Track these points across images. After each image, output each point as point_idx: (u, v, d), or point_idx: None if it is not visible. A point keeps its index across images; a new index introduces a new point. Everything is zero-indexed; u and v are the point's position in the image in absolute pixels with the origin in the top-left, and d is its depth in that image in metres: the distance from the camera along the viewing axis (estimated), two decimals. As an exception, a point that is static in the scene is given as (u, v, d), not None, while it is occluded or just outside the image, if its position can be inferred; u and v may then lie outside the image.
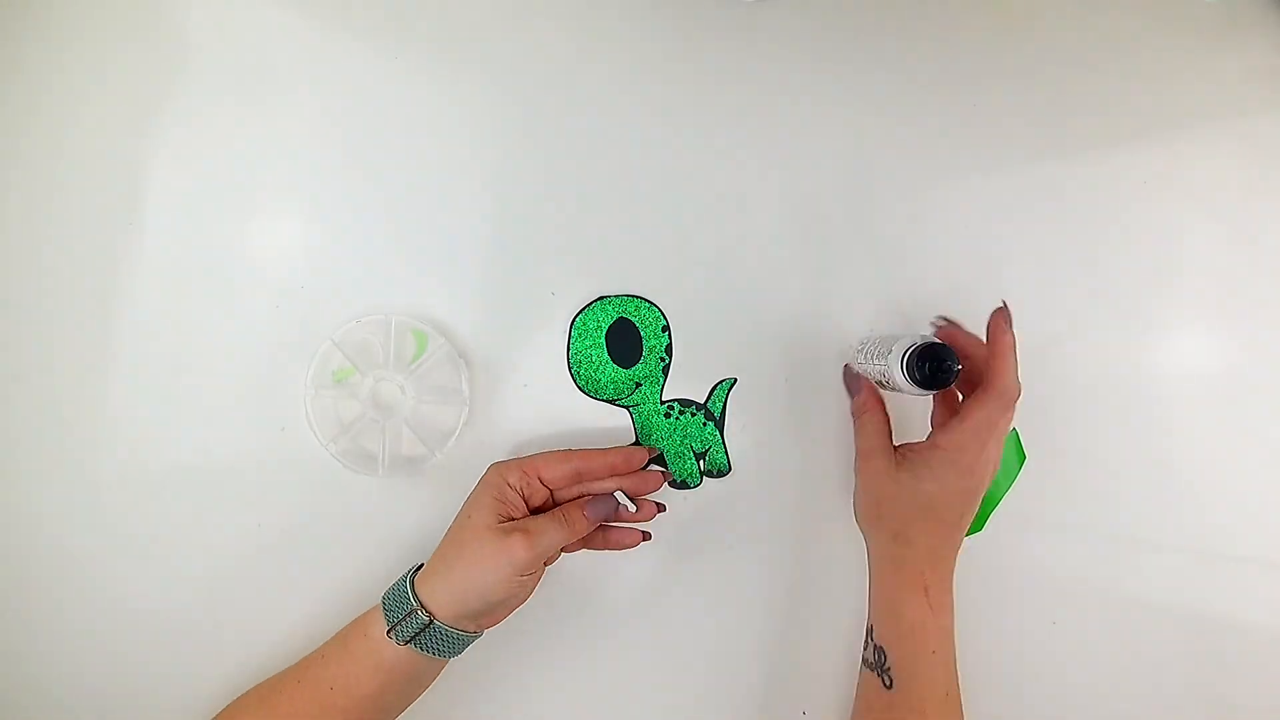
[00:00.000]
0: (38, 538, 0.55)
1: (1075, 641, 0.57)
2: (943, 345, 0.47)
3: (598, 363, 0.57)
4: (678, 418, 0.58)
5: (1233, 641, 0.57)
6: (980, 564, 0.57)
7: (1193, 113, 0.59)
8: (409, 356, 0.55)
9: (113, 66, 0.56)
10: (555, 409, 0.57)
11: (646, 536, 0.54)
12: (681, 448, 0.57)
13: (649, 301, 0.57)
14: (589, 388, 0.57)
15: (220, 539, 0.56)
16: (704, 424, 0.58)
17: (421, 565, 0.50)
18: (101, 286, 0.55)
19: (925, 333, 0.51)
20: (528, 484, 0.50)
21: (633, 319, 0.57)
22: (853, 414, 0.55)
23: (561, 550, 0.53)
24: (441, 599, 0.47)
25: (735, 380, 0.57)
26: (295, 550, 0.56)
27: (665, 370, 0.57)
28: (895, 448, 0.51)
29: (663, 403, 0.57)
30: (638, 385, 0.57)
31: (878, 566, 0.50)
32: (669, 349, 0.57)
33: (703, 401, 0.58)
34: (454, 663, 0.57)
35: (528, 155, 0.57)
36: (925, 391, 0.48)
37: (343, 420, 0.54)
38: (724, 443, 0.58)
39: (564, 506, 0.51)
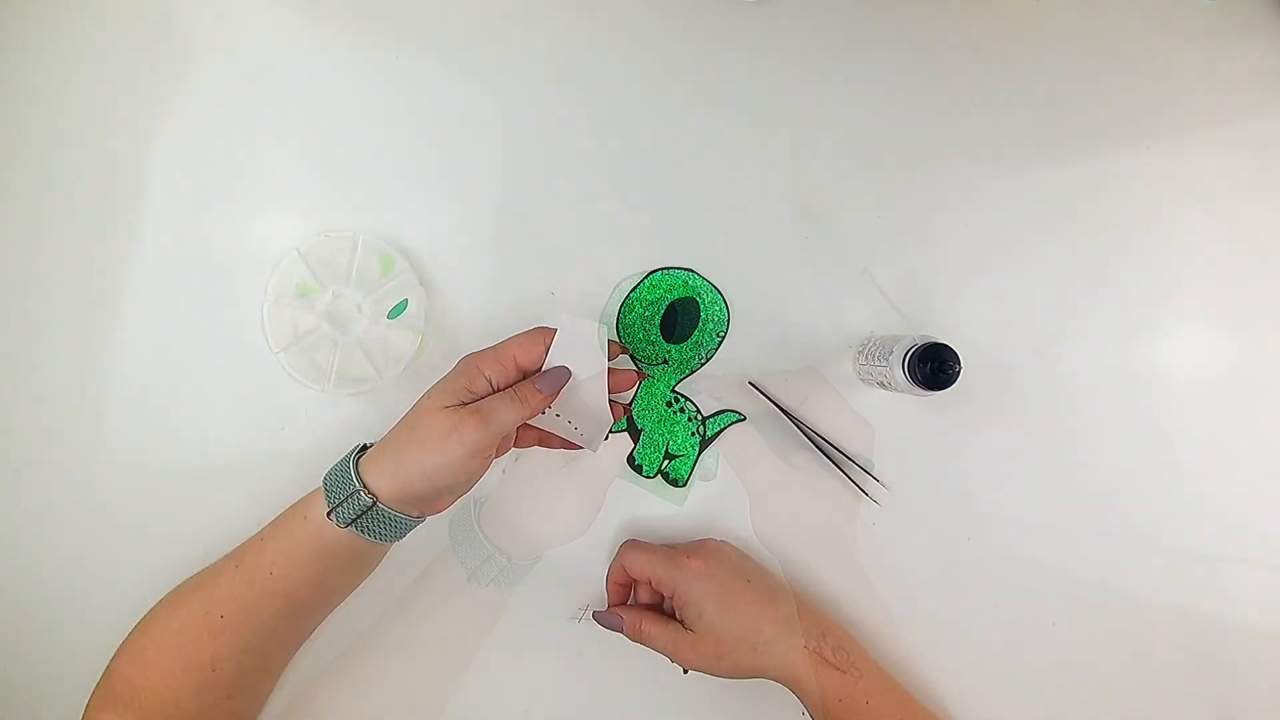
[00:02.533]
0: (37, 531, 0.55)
1: (1075, 641, 0.57)
2: (944, 346, 0.48)
3: (646, 317, 0.57)
4: (676, 413, 0.57)
5: (1232, 642, 0.57)
6: (981, 564, 0.57)
7: (1193, 114, 0.59)
8: (372, 277, 0.55)
9: (112, 66, 0.56)
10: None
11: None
12: (658, 437, 0.57)
13: (727, 304, 0.57)
14: (623, 333, 0.57)
15: (220, 539, 0.56)
16: (692, 434, 0.57)
17: (366, 446, 0.48)
18: (100, 285, 0.55)
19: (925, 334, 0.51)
20: (502, 371, 0.48)
21: (705, 308, 0.57)
22: (635, 639, 0.53)
23: (516, 442, 0.52)
24: (386, 481, 0.45)
25: (744, 418, 0.57)
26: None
27: (693, 370, 0.57)
28: (669, 619, 0.52)
29: (673, 390, 0.57)
30: (664, 362, 0.57)
31: (780, 679, 0.51)
32: (710, 355, 0.57)
33: (705, 415, 0.57)
34: (454, 663, 0.57)
35: (527, 155, 0.57)
36: (927, 392, 0.48)
37: (297, 331, 0.54)
38: (695, 461, 0.57)
39: (517, 384, 0.48)
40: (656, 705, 0.57)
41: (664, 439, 0.57)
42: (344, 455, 0.48)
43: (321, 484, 0.47)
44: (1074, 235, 0.58)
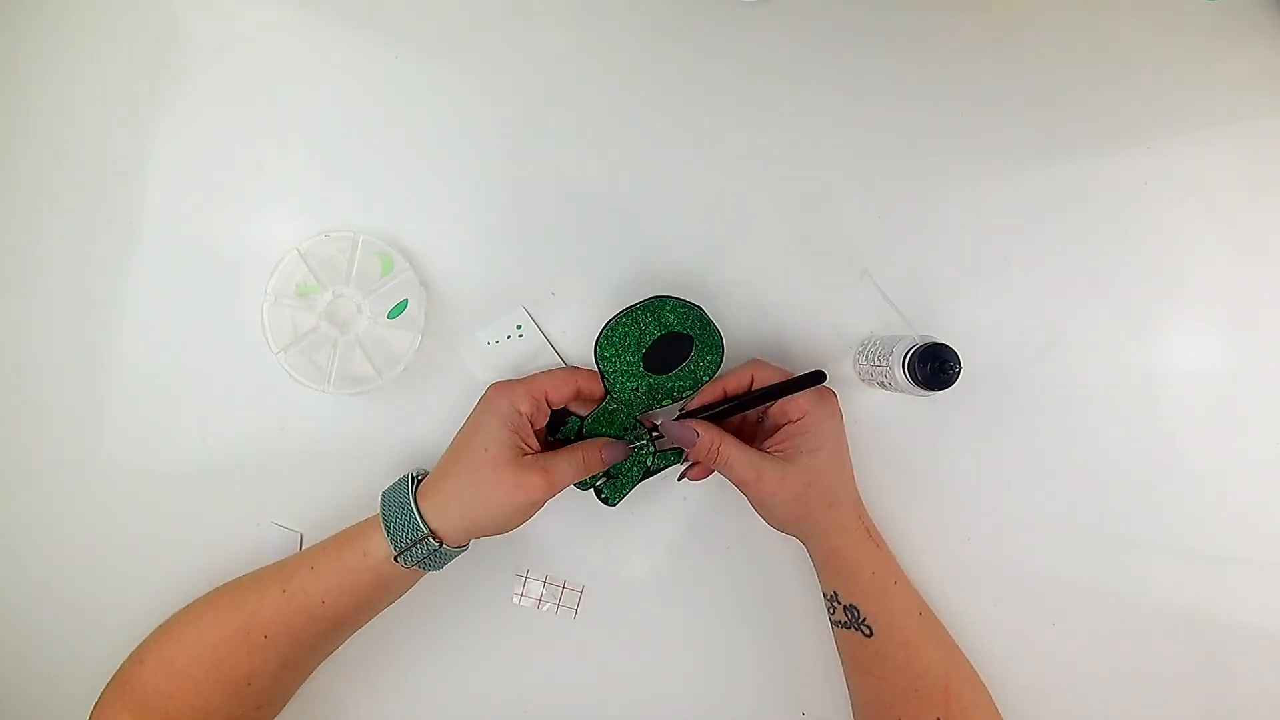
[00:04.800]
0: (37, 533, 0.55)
1: (1075, 641, 0.57)
2: (944, 346, 0.47)
3: (630, 343, 0.52)
4: (633, 439, 0.55)
5: (1233, 642, 0.57)
6: (980, 564, 0.57)
7: (1193, 115, 0.59)
8: (372, 277, 0.55)
9: (113, 67, 0.56)
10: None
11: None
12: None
13: (723, 348, 0.54)
14: (603, 347, 0.52)
15: (220, 538, 0.56)
16: (644, 461, 0.55)
17: (416, 478, 0.50)
18: (100, 285, 0.56)
19: (926, 335, 0.51)
20: (537, 409, 0.51)
21: (697, 349, 0.53)
22: (706, 459, 0.51)
23: None
24: (451, 526, 0.48)
25: (683, 469, 0.55)
26: (293, 549, 0.56)
27: (664, 405, 0.54)
28: (748, 445, 0.51)
29: (635, 417, 0.55)
30: (636, 390, 0.53)
31: (825, 544, 0.52)
32: (686, 395, 0.54)
33: (656, 448, 0.55)
34: (454, 667, 0.57)
35: (527, 155, 0.57)
36: (927, 392, 0.48)
37: (297, 331, 0.54)
38: (631, 489, 0.55)
39: (582, 447, 0.51)
40: (656, 702, 0.58)
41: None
42: (396, 489, 0.50)
43: (381, 523, 0.48)
44: (1074, 235, 0.58)
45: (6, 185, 0.55)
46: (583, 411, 0.55)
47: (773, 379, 0.52)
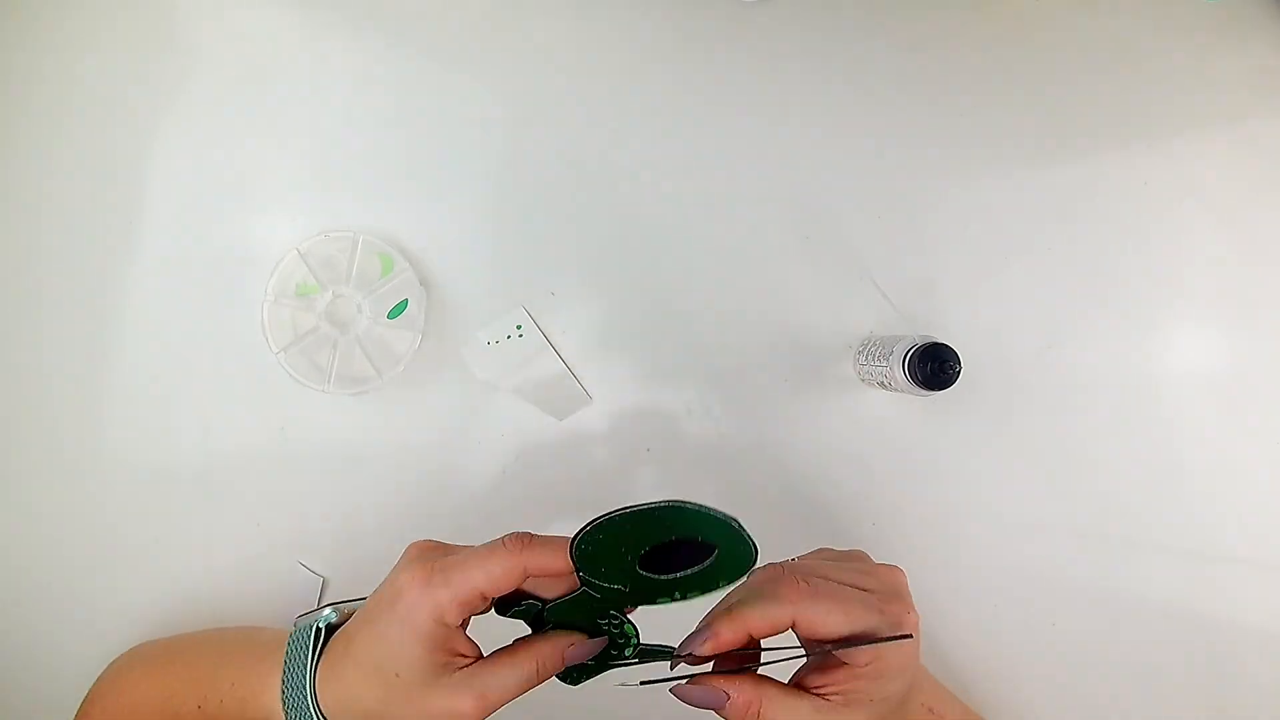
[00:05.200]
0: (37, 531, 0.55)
1: (1075, 641, 0.57)
2: (944, 346, 0.48)
3: (624, 547, 0.36)
4: (605, 629, 0.40)
5: (1232, 642, 0.57)
6: (980, 564, 0.57)
7: (1193, 114, 0.59)
8: (372, 277, 0.55)
9: (113, 67, 0.56)
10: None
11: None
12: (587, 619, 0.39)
13: (753, 547, 0.36)
14: (584, 552, 0.36)
15: (219, 540, 0.56)
16: (623, 654, 0.41)
17: (321, 633, 0.40)
18: (100, 284, 0.56)
19: (926, 334, 0.51)
20: (472, 612, 0.37)
21: (724, 556, 0.37)
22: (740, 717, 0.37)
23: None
24: None
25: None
26: (294, 549, 0.56)
27: (662, 604, 0.38)
28: (799, 690, 0.38)
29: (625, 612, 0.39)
30: (624, 589, 0.38)
31: None
32: (694, 597, 0.38)
33: (641, 643, 0.40)
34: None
35: (527, 155, 0.57)
36: (927, 392, 0.48)
37: (297, 331, 0.54)
38: (597, 675, 0.41)
39: (537, 651, 0.37)
40: (658, 705, 0.57)
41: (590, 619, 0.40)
42: (295, 658, 0.40)
43: (280, 695, 0.40)
44: (1074, 235, 0.58)
45: (6, 185, 0.55)
46: (545, 594, 0.38)
47: (830, 626, 0.36)
